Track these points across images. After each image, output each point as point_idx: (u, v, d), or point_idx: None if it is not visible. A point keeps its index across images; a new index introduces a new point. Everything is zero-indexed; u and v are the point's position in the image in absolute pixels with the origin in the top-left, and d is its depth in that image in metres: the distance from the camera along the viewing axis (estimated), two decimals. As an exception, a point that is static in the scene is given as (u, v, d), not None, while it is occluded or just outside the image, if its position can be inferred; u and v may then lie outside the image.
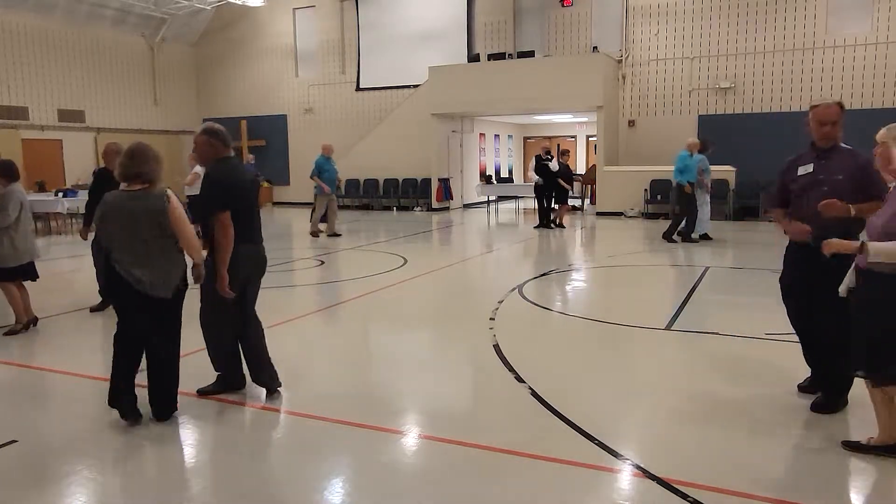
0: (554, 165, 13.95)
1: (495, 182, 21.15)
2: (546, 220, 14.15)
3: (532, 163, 14.57)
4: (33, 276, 6.19)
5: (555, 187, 14.04)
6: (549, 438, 3.68)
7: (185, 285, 4.00)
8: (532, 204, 19.88)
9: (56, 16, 18.43)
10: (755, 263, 9.32)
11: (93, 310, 6.87)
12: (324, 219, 13.24)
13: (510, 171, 23.70)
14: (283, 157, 21.99)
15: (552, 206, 14.22)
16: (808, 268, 3.84)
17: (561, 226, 14.21)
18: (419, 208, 19.11)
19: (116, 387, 3.91)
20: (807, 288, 3.91)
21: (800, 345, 4.13)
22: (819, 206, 3.56)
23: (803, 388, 4.16)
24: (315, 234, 13.09)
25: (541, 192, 14.20)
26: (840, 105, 3.87)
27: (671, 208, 12.07)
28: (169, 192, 3.92)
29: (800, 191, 3.92)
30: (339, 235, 13.21)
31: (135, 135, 20.05)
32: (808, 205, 3.78)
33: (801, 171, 3.94)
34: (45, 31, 18.29)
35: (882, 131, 3.31)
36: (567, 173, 14.40)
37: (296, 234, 15.02)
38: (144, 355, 4.00)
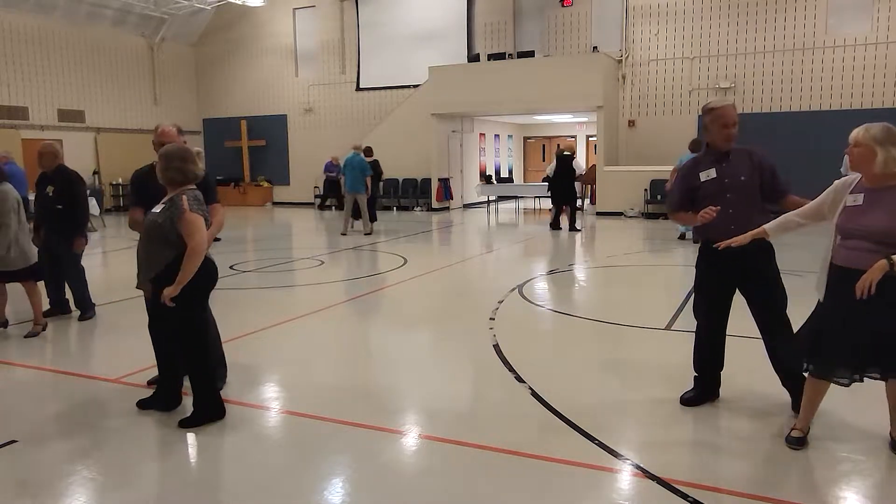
0: (579, 165, 13.69)
1: (495, 182, 21.16)
2: (556, 221, 13.88)
3: (553, 162, 13.90)
4: (40, 276, 6.11)
5: (572, 189, 13.80)
6: (549, 438, 3.68)
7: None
8: (532, 204, 19.96)
9: (56, 16, 18.44)
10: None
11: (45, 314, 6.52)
12: (358, 215, 13.56)
13: (510, 171, 23.70)
14: (283, 157, 22.01)
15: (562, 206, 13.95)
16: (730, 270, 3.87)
17: (568, 227, 13.90)
18: (419, 208, 19.12)
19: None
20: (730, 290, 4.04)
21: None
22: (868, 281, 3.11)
23: (688, 401, 4.09)
24: (369, 232, 13.40)
25: (558, 192, 13.84)
26: (733, 106, 3.99)
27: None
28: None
29: (706, 197, 3.85)
30: (345, 235, 13.38)
31: (135, 135, 20.09)
32: (718, 210, 3.77)
33: (703, 177, 3.90)
34: (45, 31, 18.30)
35: (860, 132, 3.23)
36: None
37: (295, 233, 15.04)
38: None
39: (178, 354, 4.00)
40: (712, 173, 3.89)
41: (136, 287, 4.16)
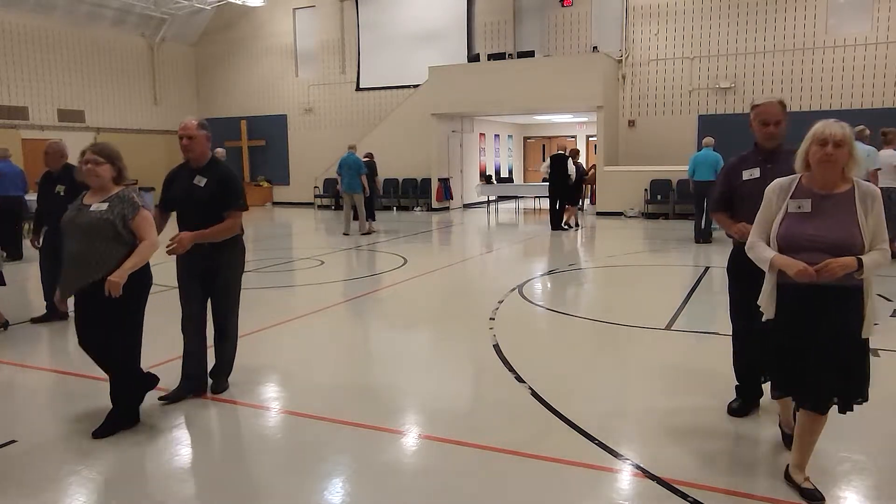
0: (571, 168, 13.78)
1: (495, 182, 21.16)
2: (556, 221, 13.94)
3: (546, 161, 14.05)
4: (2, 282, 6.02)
5: (566, 188, 13.87)
6: (549, 438, 3.68)
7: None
8: (532, 204, 19.95)
9: (56, 16, 18.43)
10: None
11: (35, 321, 6.42)
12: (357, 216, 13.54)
13: (510, 171, 23.70)
14: (282, 157, 22.01)
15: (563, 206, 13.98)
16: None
17: (571, 226, 14.01)
18: (419, 208, 19.11)
19: None
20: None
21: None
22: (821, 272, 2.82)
23: (735, 412, 3.93)
24: (367, 232, 13.41)
25: (553, 193, 13.93)
26: (781, 103, 3.68)
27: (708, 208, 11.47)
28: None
29: (747, 196, 3.56)
30: (347, 235, 13.32)
31: (135, 135, 20.08)
32: (755, 211, 3.40)
33: (746, 175, 3.66)
34: (45, 31, 18.29)
35: (846, 130, 2.83)
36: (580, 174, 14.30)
37: (295, 233, 15.04)
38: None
39: (108, 357, 3.79)
40: (756, 173, 3.64)
41: (59, 298, 3.88)
